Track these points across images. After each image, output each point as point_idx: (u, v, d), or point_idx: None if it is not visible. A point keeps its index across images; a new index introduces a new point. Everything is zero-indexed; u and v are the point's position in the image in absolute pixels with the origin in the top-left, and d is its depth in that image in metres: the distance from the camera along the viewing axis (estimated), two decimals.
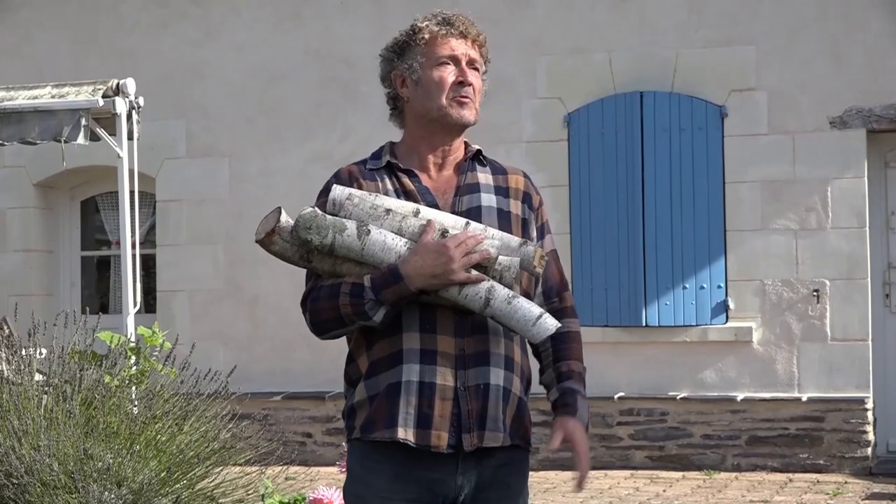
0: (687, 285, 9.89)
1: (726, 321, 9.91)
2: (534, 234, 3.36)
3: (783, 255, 9.85)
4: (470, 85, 3.28)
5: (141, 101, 8.56)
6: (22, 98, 8.43)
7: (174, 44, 11.13)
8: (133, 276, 8.52)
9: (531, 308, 3.16)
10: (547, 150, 10.27)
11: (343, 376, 3.32)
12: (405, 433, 3.13)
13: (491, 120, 10.40)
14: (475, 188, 3.30)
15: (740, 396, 9.86)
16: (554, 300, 3.36)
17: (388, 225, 3.16)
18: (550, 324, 3.16)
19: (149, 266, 11.22)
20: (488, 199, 3.30)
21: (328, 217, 3.13)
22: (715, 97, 9.97)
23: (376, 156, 3.35)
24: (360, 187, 3.25)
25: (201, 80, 11.07)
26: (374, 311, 3.12)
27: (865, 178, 9.76)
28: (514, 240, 3.23)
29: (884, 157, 10.06)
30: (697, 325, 9.95)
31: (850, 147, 9.76)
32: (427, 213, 3.21)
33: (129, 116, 8.46)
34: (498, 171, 3.38)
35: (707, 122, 9.95)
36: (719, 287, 9.89)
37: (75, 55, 11.26)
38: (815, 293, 9.77)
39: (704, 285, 9.89)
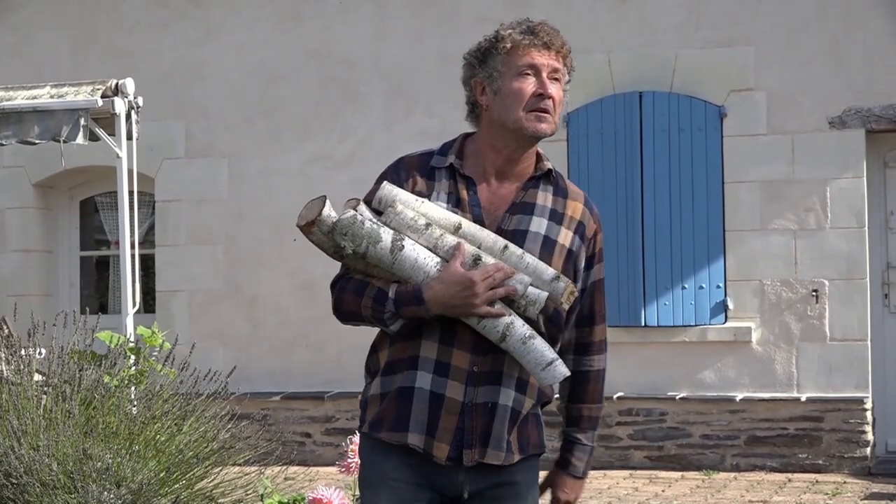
0: (686, 285, 9.90)
1: (725, 321, 9.91)
2: (581, 264, 3.36)
3: (782, 256, 9.86)
4: (550, 98, 3.24)
5: (140, 101, 8.56)
6: (21, 98, 8.43)
7: (174, 44, 11.13)
8: (132, 277, 8.52)
9: (545, 352, 3.17)
10: (546, 149, 10.08)
11: (364, 365, 3.35)
12: (413, 438, 3.19)
13: None
14: (529, 209, 3.27)
15: (739, 396, 9.86)
16: (585, 330, 3.42)
17: (424, 239, 3.16)
18: (560, 371, 3.17)
19: (148, 266, 11.22)
20: (538, 224, 3.26)
21: (366, 225, 3.12)
22: (714, 97, 9.97)
23: (444, 150, 3.32)
24: (414, 184, 3.23)
25: (201, 80, 11.07)
26: (391, 321, 3.16)
27: (864, 179, 9.77)
28: (549, 272, 3.21)
29: (883, 158, 10.06)
30: (696, 326, 9.95)
31: (850, 147, 9.76)
32: (468, 228, 3.19)
33: (129, 116, 8.46)
34: (560, 192, 3.34)
35: (706, 123, 9.95)
36: (718, 287, 9.89)
37: (75, 55, 11.25)
38: (814, 293, 9.78)
39: (703, 285, 9.90)
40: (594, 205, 3.44)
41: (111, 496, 5.36)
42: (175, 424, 5.80)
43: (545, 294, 3.18)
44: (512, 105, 3.22)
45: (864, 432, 9.62)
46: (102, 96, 8.33)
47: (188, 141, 11.09)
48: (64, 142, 8.24)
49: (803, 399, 9.74)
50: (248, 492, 6.05)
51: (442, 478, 3.22)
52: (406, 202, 3.18)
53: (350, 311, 3.22)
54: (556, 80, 3.27)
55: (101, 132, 8.45)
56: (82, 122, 8.24)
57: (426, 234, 3.15)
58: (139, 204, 10.02)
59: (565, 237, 3.30)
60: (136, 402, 5.85)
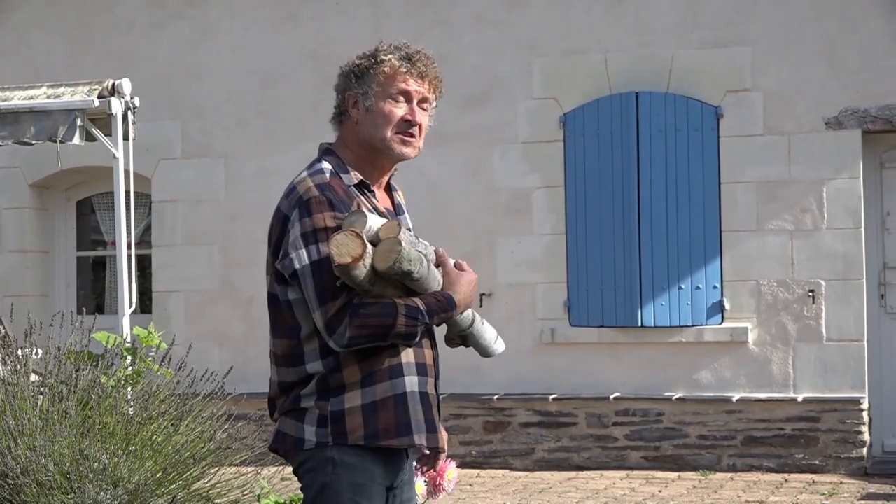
0: (683, 286, 9.90)
1: (722, 322, 9.91)
2: None
3: (779, 256, 9.86)
4: (417, 124, 3.49)
5: (137, 101, 8.55)
6: (17, 98, 8.41)
7: (170, 45, 11.13)
8: (129, 277, 8.51)
9: (492, 328, 3.63)
10: (543, 150, 10.27)
11: (315, 385, 3.39)
12: (419, 439, 3.41)
13: (487, 121, 10.43)
14: (402, 209, 3.62)
15: (736, 397, 9.86)
16: None
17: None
18: (502, 344, 3.64)
19: (144, 267, 11.21)
20: (408, 220, 3.61)
21: (412, 250, 3.29)
22: (711, 98, 9.98)
23: (340, 169, 3.48)
24: (358, 206, 3.41)
25: (197, 80, 11.06)
26: (420, 332, 3.38)
27: (861, 179, 9.77)
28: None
29: (879, 158, 10.07)
30: (693, 326, 9.95)
31: (846, 148, 9.77)
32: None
33: (125, 117, 8.44)
34: (393, 188, 3.65)
35: (703, 123, 9.95)
36: (715, 287, 9.90)
37: (71, 56, 11.25)
38: (810, 294, 9.78)
39: (700, 286, 9.90)
40: None
41: (108, 496, 5.36)
42: (172, 425, 5.80)
43: None
44: (381, 124, 3.47)
45: (860, 433, 9.63)
46: (99, 97, 8.31)
47: (184, 141, 11.09)
48: (60, 142, 8.23)
49: (800, 399, 9.75)
50: (245, 492, 6.06)
51: (398, 469, 3.46)
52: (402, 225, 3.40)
53: (375, 334, 3.31)
54: (425, 109, 3.54)
55: (97, 132, 8.43)
56: (79, 122, 8.23)
57: (419, 246, 3.37)
58: (136, 204, 9.99)
59: (410, 224, 3.65)
60: (132, 403, 5.85)
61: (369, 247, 3.25)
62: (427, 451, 3.54)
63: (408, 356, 3.39)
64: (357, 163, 3.50)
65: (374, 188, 3.52)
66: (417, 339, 3.37)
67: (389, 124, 3.46)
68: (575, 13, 10.31)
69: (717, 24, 10.05)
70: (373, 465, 3.38)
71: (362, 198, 3.44)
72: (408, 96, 3.48)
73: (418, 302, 3.33)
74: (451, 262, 3.46)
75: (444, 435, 3.56)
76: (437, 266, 3.42)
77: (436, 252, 3.43)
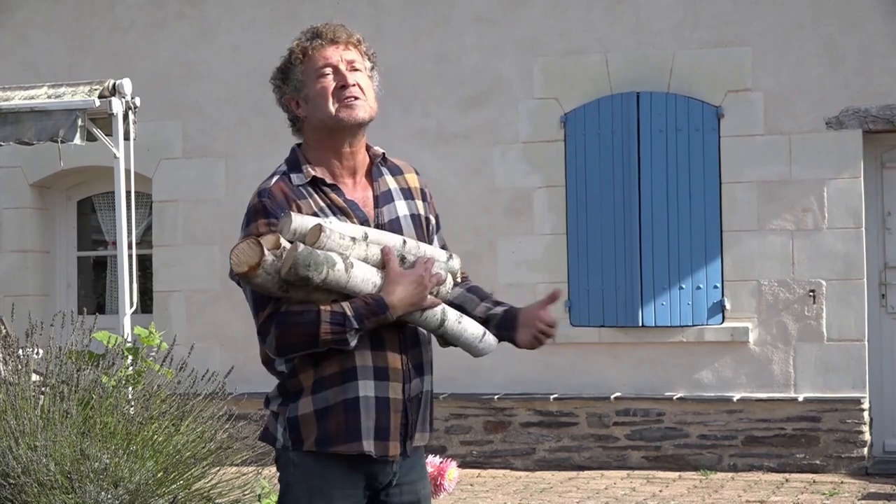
0: (683, 286, 9.90)
1: (723, 321, 9.91)
2: (433, 224, 3.55)
3: (779, 256, 9.86)
4: (354, 85, 3.40)
5: (137, 101, 8.55)
6: (18, 98, 8.42)
7: (170, 44, 11.13)
8: (129, 277, 8.52)
9: (476, 326, 3.42)
10: (543, 150, 10.27)
11: (277, 388, 3.41)
12: (367, 446, 3.32)
13: (487, 121, 10.43)
14: (389, 196, 3.45)
15: (737, 397, 9.87)
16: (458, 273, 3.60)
17: (356, 254, 3.25)
18: (492, 340, 3.45)
19: (145, 266, 11.21)
20: (402, 207, 3.46)
21: (319, 253, 3.16)
22: (711, 98, 9.98)
23: (294, 167, 3.43)
24: (298, 208, 3.33)
25: (197, 80, 11.07)
26: (353, 338, 3.26)
27: (861, 179, 9.77)
28: (443, 254, 3.45)
29: (880, 158, 10.07)
30: (694, 326, 9.95)
31: (847, 148, 9.77)
32: (372, 234, 3.32)
33: (126, 117, 8.45)
34: (395, 171, 3.52)
35: (703, 123, 9.95)
36: (716, 287, 9.90)
37: (71, 56, 11.25)
38: (811, 293, 9.78)
39: (701, 286, 9.90)
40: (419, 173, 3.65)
41: (108, 496, 5.36)
42: (173, 425, 5.80)
43: (449, 274, 3.41)
44: (322, 103, 3.39)
45: (861, 432, 9.63)
46: (100, 96, 8.32)
47: (185, 141, 11.09)
48: (61, 142, 8.23)
49: (800, 399, 9.75)
50: (246, 492, 6.05)
51: (380, 473, 3.39)
52: (331, 227, 3.24)
53: (300, 342, 3.26)
54: (357, 69, 3.43)
55: (98, 132, 8.44)
56: (80, 122, 8.24)
57: (355, 248, 3.25)
58: (136, 204, 10.01)
59: (420, 208, 3.50)
60: (133, 403, 5.85)
61: (269, 255, 3.15)
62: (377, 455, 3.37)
63: (364, 359, 3.30)
64: (321, 158, 3.42)
65: (341, 181, 3.40)
66: (352, 344, 3.24)
67: (328, 99, 3.38)
68: (575, 13, 10.31)
69: (717, 24, 10.05)
70: (332, 469, 3.33)
71: (315, 196, 3.36)
72: (332, 66, 3.40)
73: (346, 307, 3.22)
74: (396, 261, 3.29)
75: (422, 437, 3.44)
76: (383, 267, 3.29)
77: (382, 251, 3.29)
